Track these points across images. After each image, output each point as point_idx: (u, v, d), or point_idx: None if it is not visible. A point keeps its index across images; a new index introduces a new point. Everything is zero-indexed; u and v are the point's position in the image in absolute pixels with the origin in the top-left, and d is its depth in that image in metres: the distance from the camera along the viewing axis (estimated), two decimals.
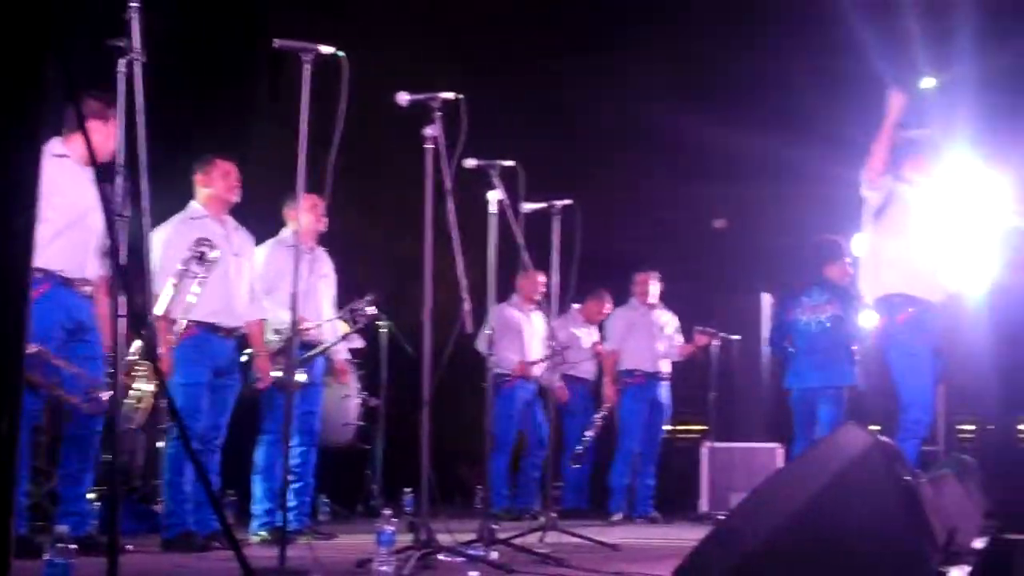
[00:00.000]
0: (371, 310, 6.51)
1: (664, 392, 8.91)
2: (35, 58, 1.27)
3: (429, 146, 4.91)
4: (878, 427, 6.35)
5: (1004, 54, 9.02)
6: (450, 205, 4.91)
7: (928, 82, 9.28)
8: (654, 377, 8.80)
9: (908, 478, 3.38)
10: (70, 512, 5.18)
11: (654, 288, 8.94)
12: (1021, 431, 9.97)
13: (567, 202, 6.29)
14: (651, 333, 8.84)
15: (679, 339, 9.04)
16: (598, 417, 8.88)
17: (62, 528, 3.26)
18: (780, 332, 7.94)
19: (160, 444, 6.25)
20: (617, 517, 8.58)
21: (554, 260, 6.39)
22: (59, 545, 3.12)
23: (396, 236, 9.69)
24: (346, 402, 7.85)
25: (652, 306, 8.92)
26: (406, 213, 9.77)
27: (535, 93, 10.86)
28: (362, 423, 8.14)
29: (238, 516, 6.66)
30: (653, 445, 8.93)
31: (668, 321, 9.05)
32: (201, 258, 5.64)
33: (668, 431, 10.17)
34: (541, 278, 7.75)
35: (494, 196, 5.56)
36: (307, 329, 6.31)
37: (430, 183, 4.91)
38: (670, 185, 11.31)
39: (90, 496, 5.53)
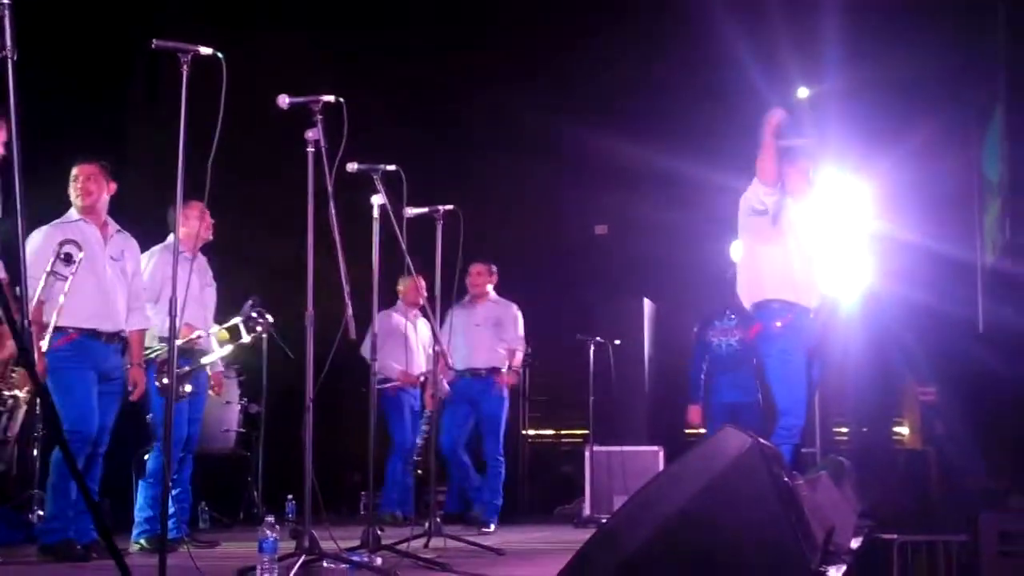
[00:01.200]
0: (268, 317, 6.43)
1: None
2: None
3: (311, 149, 4.86)
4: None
5: (868, 67, 9.32)
6: (332, 209, 4.86)
7: (802, 92, 9.52)
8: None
9: (787, 479, 3.46)
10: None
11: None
12: (894, 433, 10.31)
13: (449, 207, 6.28)
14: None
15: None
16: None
17: None
18: (699, 352, 8.38)
19: (35, 452, 6.10)
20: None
21: (437, 264, 6.37)
22: None
23: (273, 240, 9.59)
24: (227, 408, 7.74)
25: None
26: (284, 216, 9.70)
27: (418, 96, 10.86)
28: (242, 429, 8.03)
29: (114, 526, 6.51)
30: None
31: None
32: (67, 259, 5.55)
33: (552, 434, 10.24)
34: (423, 283, 7.73)
35: (377, 200, 5.55)
36: (196, 338, 6.24)
37: (311, 186, 4.85)
38: (553, 190, 11.42)
39: None
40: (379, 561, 5.00)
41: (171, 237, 6.51)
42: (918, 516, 7.45)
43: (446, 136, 10.90)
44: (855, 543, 5.28)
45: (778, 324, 6.26)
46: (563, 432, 12.19)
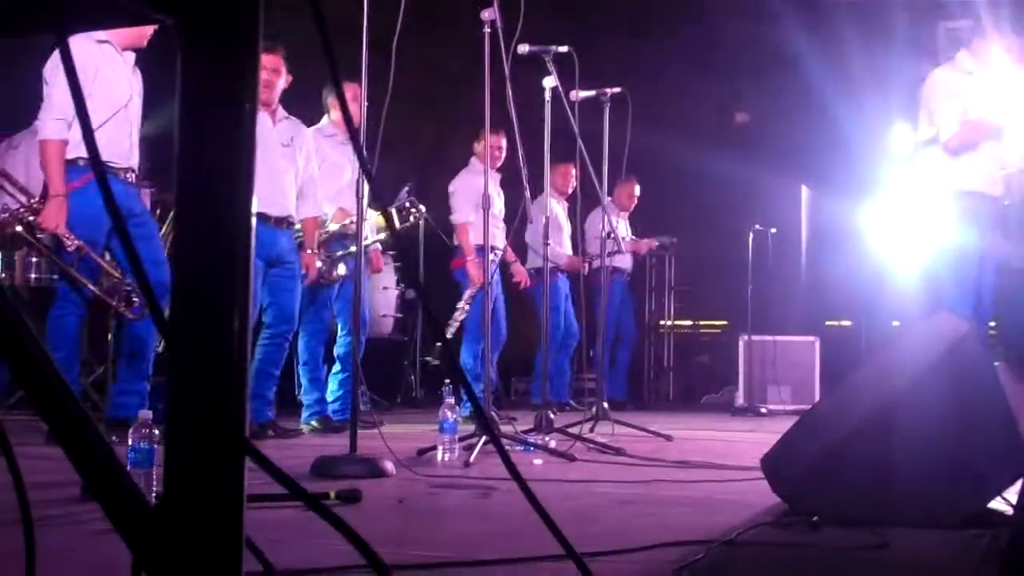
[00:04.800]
0: (421, 208, 6.42)
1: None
2: None
3: (487, 30, 4.76)
4: None
5: None
6: (508, 92, 4.79)
7: None
8: None
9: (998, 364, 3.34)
10: (129, 392, 5.15)
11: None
12: None
13: (617, 90, 6.15)
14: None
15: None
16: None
17: (146, 413, 3.21)
18: None
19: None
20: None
21: (604, 150, 6.27)
22: (144, 430, 3.09)
23: (416, 123, 9.56)
24: (384, 294, 7.82)
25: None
26: (425, 101, 9.69)
27: None
28: (399, 315, 8.12)
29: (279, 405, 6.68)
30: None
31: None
32: None
33: (690, 325, 10.12)
34: (573, 170, 7.62)
35: (549, 83, 5.45)
36: (350, 223, 6.27)
37: (488, 68, 4.78)
38: (694, 77, 11.11)
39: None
40: (553, 444, 5.03)
41: (325, 119, 6.54)
42: None
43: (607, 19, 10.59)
44: None
45: None
46: (701, 322, 12.13)
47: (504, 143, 6.92)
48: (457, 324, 7.28)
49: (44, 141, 4.91)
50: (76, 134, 4.89)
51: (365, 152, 3.91)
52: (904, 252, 7.71)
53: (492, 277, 6.18)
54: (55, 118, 4.89)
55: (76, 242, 4.90)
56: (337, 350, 6.42)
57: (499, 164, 6.98)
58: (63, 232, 4.87)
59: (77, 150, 4.92)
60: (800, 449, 3.17)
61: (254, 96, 1.13)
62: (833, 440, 3.04)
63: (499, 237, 6.93)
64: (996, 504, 2.91)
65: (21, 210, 5.18)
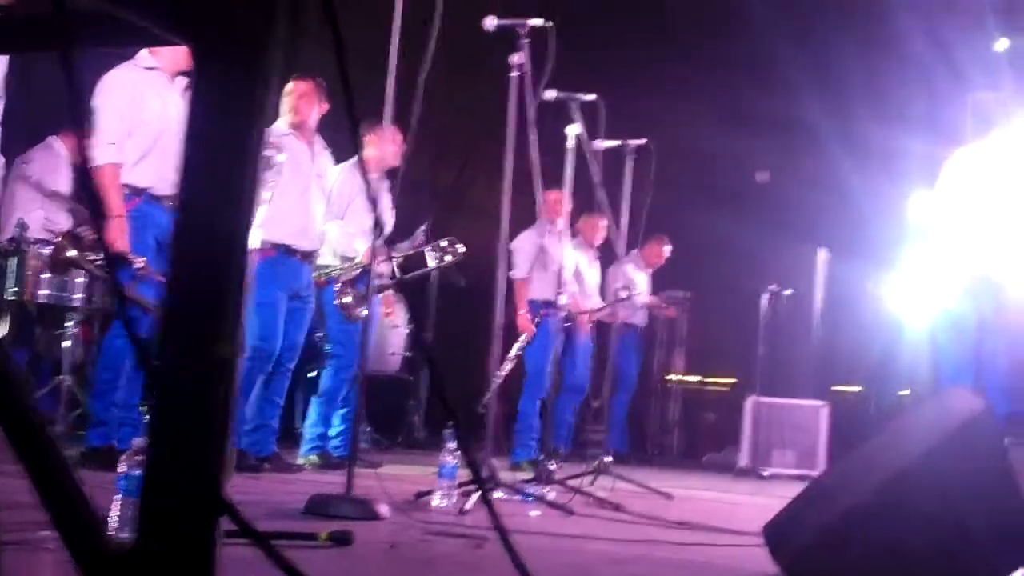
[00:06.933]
0: (460, 248, 6.35)
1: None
2: None
3: (515, 74, 4.74)
4: None
5: None
6: (533, 137, 4.76)
7: (1002, 44, 9.03)
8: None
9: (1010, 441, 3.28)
10: (124, 423, 5.10)
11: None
12: None
13: (641, 142, 6.12)
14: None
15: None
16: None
17: (139, 441, 3.17)
18: None
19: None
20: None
21: (624, 202, 6.23)
22: (136, 458, 3.04)
23: (436, 165, 9.55)
24: (394, 332, 7.78)
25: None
26: (449, 143, 9.68)
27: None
28: (408, 354, 8.07)
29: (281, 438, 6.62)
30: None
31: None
32: (267, 164, 5.56)
33: (697, 381, 10.01)
34: (603, 222, 7.54)
35: (573, 131, 5.42)
36: (384, 260, 6.27)
37: (512, 114, 4.75)
38: (712, 135, 11.06)
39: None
40: (553, 495, 4.95)
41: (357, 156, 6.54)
42: None
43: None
44: None
45: None
46: (709, 379, 12.05)
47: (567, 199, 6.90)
48: (503, 375, 7.23)
49: (100, 167, 4.91)
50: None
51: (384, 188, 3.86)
52: (915, 322, 7.67)
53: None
54: (108, 143, 4.93)
55: (141, 261, 4.89)
56: (325, 383, 6.36)
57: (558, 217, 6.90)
58: (128, 251, 4.87)
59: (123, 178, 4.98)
60: (805, 520, 3.09)
61: (261, 124, 1.09)
62: (839, 513, 2.97)
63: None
64: None
65: (82, 230, 5.18)
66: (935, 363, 6.29)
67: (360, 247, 6.25)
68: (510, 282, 7.27)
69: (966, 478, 2.92)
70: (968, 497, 2.91)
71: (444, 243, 6.33)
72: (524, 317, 7.34)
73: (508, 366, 7.16)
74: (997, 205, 6.06)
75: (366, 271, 6.10)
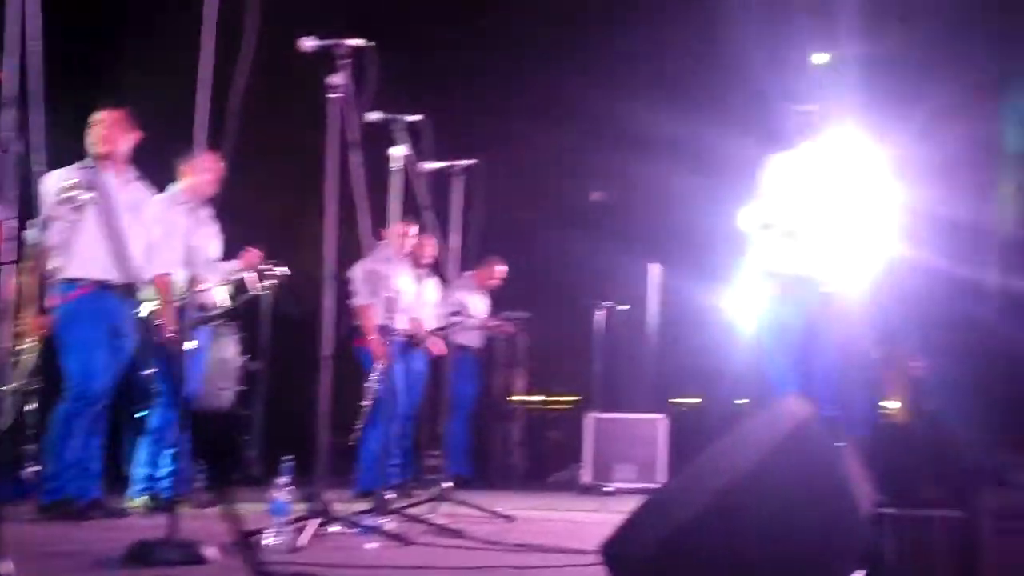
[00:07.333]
0: (280, 270, 6.20)
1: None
2: None
3: (334, 95, 4.62)
4: None
5: (886, 32, 9.12)
6: (357, 160, 4.65)
7: (818, 58, 9.33)
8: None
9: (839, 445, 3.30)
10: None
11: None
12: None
13: (471, 162, 6.06)
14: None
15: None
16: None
17: None
18: None
19: (31, 406, 5.87)
20: None
21: (454, 223, 6.16)
22: None
23: (266, 195, 9.36)
24: (225, 365, 7.54)
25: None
26: (275, 169, 9.47)
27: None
28: (242, 387, 7.84)
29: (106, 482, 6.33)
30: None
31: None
32: (71, 202, 5.34)
33: (540, 401, 10.00)
34: (431, 242, 7.47)
35: (397, 152, 5.33)
36: (204, 290, 6.07)
37: (330, 136, 4.63)
38: (551, 152, 11.13)
39: None
40: (390, 526, 4.83)
41: (174, 186, 6.30)
42: (912, 491, 7.29)
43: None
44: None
45: None
46: (551, 398, 12.06)
47: (412, 230, 7.06)
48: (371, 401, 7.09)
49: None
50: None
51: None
52: (747, 331, 7.81)
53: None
54: None
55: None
56: (153, 421, 6.11)
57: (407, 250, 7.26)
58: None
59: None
60: (642, 535, 3.05)
61: None
62: (675, 526, 2.94)
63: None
64: None
65: None
66: (761, 368, 6.41)
67: (179, 276, 6.04)
68: (352, 310, 7.16)
69: (797, 485, 2.92)
70: (800, 504, 2.91)
71: (264, 267, 6.18)
72: (375, 342, 7.10)
73: (371, 395, 7.05)
74: (812, 209, 6.23)
75: (190, 303, 5.91)
